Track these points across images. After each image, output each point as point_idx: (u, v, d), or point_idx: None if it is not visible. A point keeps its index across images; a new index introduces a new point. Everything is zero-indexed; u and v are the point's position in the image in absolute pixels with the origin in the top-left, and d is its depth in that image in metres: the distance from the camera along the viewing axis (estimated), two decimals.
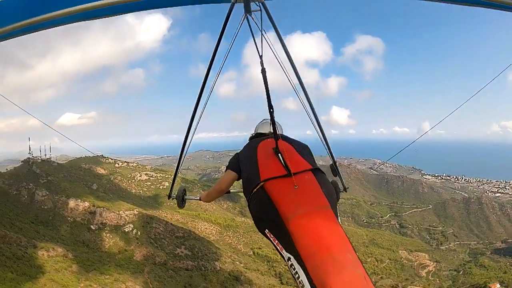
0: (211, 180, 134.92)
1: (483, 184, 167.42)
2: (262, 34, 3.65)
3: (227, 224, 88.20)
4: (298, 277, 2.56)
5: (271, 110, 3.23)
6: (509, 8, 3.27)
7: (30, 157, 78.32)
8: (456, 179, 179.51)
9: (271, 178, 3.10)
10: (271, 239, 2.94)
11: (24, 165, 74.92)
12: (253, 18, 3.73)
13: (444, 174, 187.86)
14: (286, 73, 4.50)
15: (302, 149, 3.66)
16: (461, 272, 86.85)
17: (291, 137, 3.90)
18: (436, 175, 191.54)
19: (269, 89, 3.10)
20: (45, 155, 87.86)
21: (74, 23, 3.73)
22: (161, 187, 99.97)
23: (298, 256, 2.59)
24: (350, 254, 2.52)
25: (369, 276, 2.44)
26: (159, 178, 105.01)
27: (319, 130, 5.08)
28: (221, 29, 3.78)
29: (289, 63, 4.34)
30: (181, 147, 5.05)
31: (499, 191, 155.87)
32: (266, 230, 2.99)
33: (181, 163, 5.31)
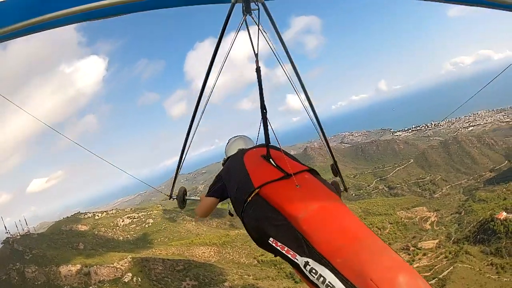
0: (194, 203, 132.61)
1: (453, 123, 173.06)
2: (262, 33, 3.72)
3: (223, 241, 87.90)
4: (324, 280, 2.24)
5: (264, 111, 3.21)
6: (509, 8, 3.29)
7: (9, 236, 77.96)
8: (426, 127, 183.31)
9: (267, 182, 2.91)
10: (279, 248, 2.61)
11: (5, 246, 74.00)
12: (253, 18, 3.70)
13: (414, 126, 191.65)
14: (286, 73, 4.42)
15: (292, 155, 3.54)
16: (462, 213, 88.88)
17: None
18: (406, 129, 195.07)
19: (262, 88, 3.17)
20: (23, 229, 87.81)
21: (74, 24, 3.82)
22: (146, 225, 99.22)
23: (319, 256, 2.33)
24: (378, 241, 2.39)
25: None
26: (142, 217, 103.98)
27: (319, 130, 5.16)
28: (221, 29, 3.83)
29: (290, 64, 4.47)
30: (181, 147, 5.07)
31: (471, 124, 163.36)
32: (271, 239, 2.67)
33: (181, 164, 5.33)
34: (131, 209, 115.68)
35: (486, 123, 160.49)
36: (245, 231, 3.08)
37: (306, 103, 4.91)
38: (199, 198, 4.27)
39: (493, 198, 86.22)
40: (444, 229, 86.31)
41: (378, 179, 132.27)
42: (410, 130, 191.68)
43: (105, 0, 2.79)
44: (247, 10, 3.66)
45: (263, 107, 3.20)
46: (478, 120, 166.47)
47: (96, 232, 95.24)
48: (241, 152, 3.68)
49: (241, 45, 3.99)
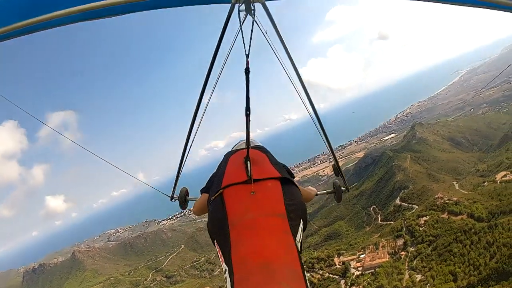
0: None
1: None
2: (263, 34, 3.91)
3: None
4: None
5: (248, 112, 3.09)
6: (509, 8, 3.40)
7: None
8: (190, 211, 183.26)
9: (231, 184, 2.98)
10: (217, 250, 2.66)
11: None
12: (253, 18, 3.77)
13: (177, 213, 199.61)
14: (287, 73, 4.50)
15: (275, 159, 3.55)
16: None
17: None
18: (170, 217, 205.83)
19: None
20: None
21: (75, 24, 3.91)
22: None
23: (230, 267, 2.37)
24: (290, 268, 2.31)
25: None
26: None
27: (321, 130, 5.08)
28: (221, 30, 3.83)
29: (290, 64, 4.40)
30: (182, 147, 5.13)
31: None
32: (215, 240, 2.73)
33: (182, 165, 5.39)
34: None
35: None
36: None
37: (307, 103, 4.84)
38: None
39: None
40: None
41: (154, 271, 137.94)
42: (174, 218, 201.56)
43: (105, 0, 2.89)
44: (247, 10, 3.77)
45: (247, 109, 3.08)
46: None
47: None
48: (232, 151, 3.82)
49: (230, 45, 4.13)
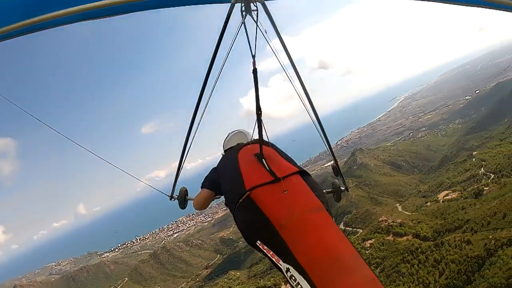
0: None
1: (158, 234, 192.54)
2: (263, 34, 3.96)
3: None
4: None
5: (259, 112, 3.28)
6: (509, 8, 3.39)
7: None
8: (132, 242, 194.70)
9: (258, 186, 3.01)
10: (265, 251, 2.75)
11: None
12: (253, 18, 3.85)
13: (119, 244, 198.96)
14: (287, 73, 4.54)
15: (284, 153, 3.71)
16: None
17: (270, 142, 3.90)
18: (112, 249, 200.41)
19: None
20: None
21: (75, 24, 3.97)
22: None
23: (298, 265, 2.44)
24: (355, 257, 2.45)
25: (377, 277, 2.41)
26: None
27: (320, 131, 5.16)
28: (221, 30, 3.86)
29: (290, 63, 4.48)
30: (182, 147, 5.20)
31: (175, 231, 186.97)
32: (258, 242, 2.81)
33: (182, 165, 5.47)
34: None
35: (189, 226, 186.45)
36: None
37: (307, 103, 4.93)
38: None
39: None
40: None
41: None
42: (117, 250, 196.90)
43: (105, 0, 2.90)
44: (247, 10, 3.82)
45: (258, 108, 3.29)
46: (181, 226, 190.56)
47: None
48: (237, 147, 3.89)
49: (235, 46, 4.12)
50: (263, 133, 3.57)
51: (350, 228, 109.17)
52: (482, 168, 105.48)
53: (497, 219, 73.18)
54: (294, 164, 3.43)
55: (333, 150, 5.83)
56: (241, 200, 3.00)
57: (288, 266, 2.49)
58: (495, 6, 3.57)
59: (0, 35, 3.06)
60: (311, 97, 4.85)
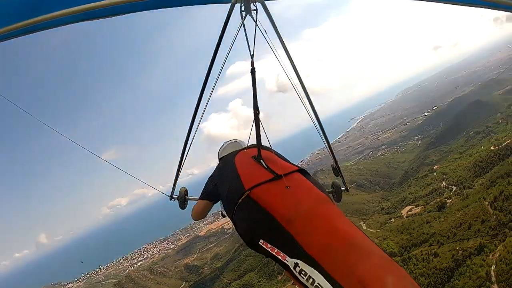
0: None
1: (121, 262, 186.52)
2: (263, 34, 3.93)
3: None
4: (313, 281, 2.32)
5: (257, 112, 3.33)
6: (509, 8, 3.45)
7: None
8: (96, 272, 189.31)
9: (258, 184, 2.96)
10: (269, 249, 2.65)
11: None
12: (253, 18, 3.83)
13: (83, 274, 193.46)
14: (287, 74, 4.49)
15: (282, 155, 3.74)
16: None
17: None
18: (76, 279, 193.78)
19: None
20: None
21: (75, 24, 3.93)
22: None
23: (309, 258, 2.38)
24: (369, 242, 2.44)
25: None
26: None
27: (320, 131, 5.16)
28: (221, 30, 3.87)
29: (290, 63, 4.46)
30: (182, 146, 5.21)
31: (139, 260, 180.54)
32: (261, 240, 2.71)
33: (182, 165, 5.44)
34: None
35: (153, 254, 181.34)
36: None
37: (307, 103, 4.93)
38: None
39: None
40: None
41: None
42: (81, 280, 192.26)
43: (105, 0, 2.92)
44: (246, 11, 3.81)
45: (256, 108, 3.32)
46: (145, 254, 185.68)
47: None
48: (232, 153, 3.84)
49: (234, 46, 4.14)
50: (262, 134, 3.58)
51: None
52: (444, 182, 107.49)
53: (462, 230, 74.94)
54: (293, 164, 3.43)
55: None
56: (240, 200, 2.92)
57: (296, 261, 2.43)
58: (495, 6, 3.57)
59: (0, 35, 3.04)
60: (307, 98, 4.85)
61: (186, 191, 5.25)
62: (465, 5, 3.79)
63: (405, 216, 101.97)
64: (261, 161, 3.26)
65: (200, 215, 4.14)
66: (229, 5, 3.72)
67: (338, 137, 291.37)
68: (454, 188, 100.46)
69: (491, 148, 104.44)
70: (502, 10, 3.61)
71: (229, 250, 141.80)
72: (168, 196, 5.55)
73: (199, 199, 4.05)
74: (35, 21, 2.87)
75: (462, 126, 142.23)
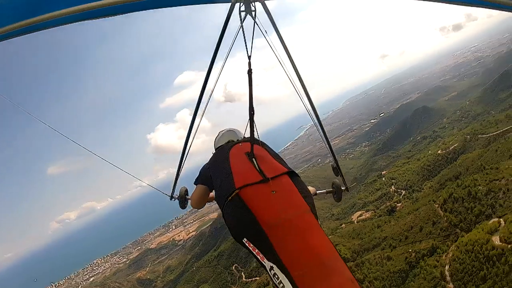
0: None
1: (74, 279, 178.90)
2: (263, 34, 3.98)
3: None
4: (283, 287, 2.56)
5: (252, 112, 3.36)
6: (509, 8, 3.42)
7: None
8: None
9: (247, 185, 3.08)
10: (250, 248, 2.87)
11: None
12: (253, 18, 3.86)
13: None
14: (287, 74, 4.53)
15: (275, 152, 3.83)
16: None
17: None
18: None
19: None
20: None
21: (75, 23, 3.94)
22: None
23: (281, 265, 2.59)
24: (337, 259, 2.61)
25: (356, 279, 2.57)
26: None
27: (321, 131, 5.18)
28: (221, 30, 3.89)
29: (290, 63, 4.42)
30: (183, 146, 5.28)
31: (91, 275, 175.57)
32: (245, 239, 2.91)
33: (182, 165, 5.49)
34: None
35: (105, 269, 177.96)
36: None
37: (307, 103, 4.83)
38: None
39: None
40: None
41: None
42: None
43: (105, 0, 2.91)
44: (246, 11, 3.81)
45: (251, 108, 3.36)
46: (96, 269, 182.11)
47: None
48: (228, 146, 3.93)
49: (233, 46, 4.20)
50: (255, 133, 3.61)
51: None
52: (393, 186, 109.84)
53: (414, 233, 76.21)
54: (284, 164, 3.54)
55: None
56: (230, 198, 3.08)
57: (272, 264, 2.66)
58: (495, 6, 3.59)
59: (0, 35, 3.05)
60: (308, 98, 4.71)
61: (186, 190, 5.22)
62: (465, 5, 3.73)
63: (355, 221, 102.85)
64: (253, 159, 3.38)
65: (199, 202, 4.13)
66: (229, 5, 3.70)
67: (286, 145, 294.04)
68: (404, 192, 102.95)
69: (439, 152, 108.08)
70: (502, 10, 3.58)
71: (181, 262, 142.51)
72: (169, 196, 5.62)
73: (195, 183, 4.08)
74: (35, 21, 2.85)
75: (409, 132, 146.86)
